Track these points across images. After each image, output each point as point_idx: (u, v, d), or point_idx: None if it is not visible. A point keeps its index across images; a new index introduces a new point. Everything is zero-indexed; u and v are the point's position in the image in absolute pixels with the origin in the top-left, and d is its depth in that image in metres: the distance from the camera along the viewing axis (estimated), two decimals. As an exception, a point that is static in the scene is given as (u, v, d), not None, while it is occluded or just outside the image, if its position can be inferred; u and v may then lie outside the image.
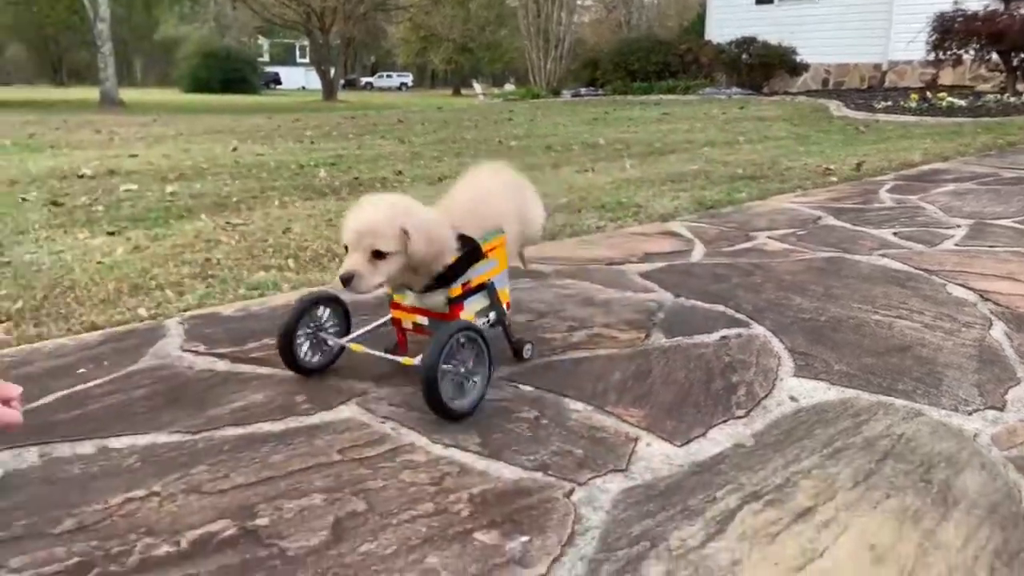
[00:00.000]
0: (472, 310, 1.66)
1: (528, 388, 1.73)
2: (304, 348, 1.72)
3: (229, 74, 41.80)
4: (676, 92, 16.03)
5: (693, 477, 1.40)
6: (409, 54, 53.01)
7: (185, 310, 2.35)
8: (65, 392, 1.73)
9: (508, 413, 1.61)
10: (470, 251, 1.61)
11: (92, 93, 28.39)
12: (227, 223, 3.78)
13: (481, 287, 1.67)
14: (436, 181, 5.41)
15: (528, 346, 1.80)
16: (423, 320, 1.66)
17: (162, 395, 1.72)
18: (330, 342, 1.74)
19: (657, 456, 1.46)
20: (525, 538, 1.20)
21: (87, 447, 1.48)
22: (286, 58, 66.95)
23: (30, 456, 1.45)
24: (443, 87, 59.40)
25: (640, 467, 1.42)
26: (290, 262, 2.99)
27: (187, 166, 6.25)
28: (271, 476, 1.38)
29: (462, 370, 1.51)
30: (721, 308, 2.35)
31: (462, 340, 1.49)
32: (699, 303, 2.40)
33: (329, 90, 37.47)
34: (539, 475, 1.39)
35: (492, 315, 1.72)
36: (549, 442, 1.50)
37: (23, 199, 4.56)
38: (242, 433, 1.54)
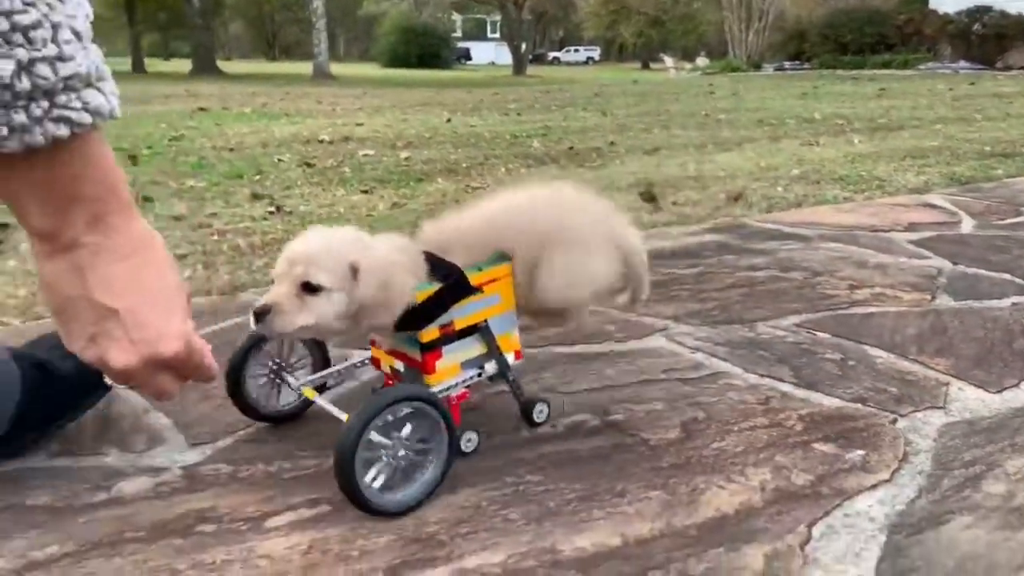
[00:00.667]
0: (455, 360, 1.22)
1: (824, 335, 1.81)
2: (259, 390, 1.34)
3: (425, 49, 43.62)
4: (892, 67, 14.87)
5: (1016, 419, 1.40)
6: (599, 27, 52.70)
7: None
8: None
9: (812, 354, 1.69)
10: (451, 284, 1.17)
11: (302, 67, 30.67)
12: (467, 186, 4.00)
13: (471, 330, 1.23)
14: (651, 151, 5.39)
15: (541, 406, 1.34)
16: (399, 365, 1.26)
17: None
18: (292, 383, 1.33)
19: (972, 399, 1.48)
20: (862, 451, 1.28)
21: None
22: (477, 33, 68.80)
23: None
24: (630, 61, 58.63)
25: (957, 407, 1.45)
26: None
27: (410, 135, 6.62)
28: (610, 385, 1.54)
29: (401, 452, 1.09)
30: (1007, 276, 2.29)
31: (402, 413, 1.07)
32: (981, 271, 2.35)
33: (519, 64, 38.13)
34: (859, 406, 1.45)
35: (489, 367, 1.26)
36: (860, 380, 1.56)
37: (279, 160, 5.03)
38: (569, 352, 1.72)
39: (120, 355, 0.77)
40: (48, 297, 0.78)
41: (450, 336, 1.21)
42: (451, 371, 1.22)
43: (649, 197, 3.54)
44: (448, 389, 1.20)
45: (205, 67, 26.88)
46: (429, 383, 1.18)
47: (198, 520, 1.10)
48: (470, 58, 60.37)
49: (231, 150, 5.49)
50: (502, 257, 1.24)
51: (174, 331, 0.79)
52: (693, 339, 1.79)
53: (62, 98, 0.69)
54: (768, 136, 6.25)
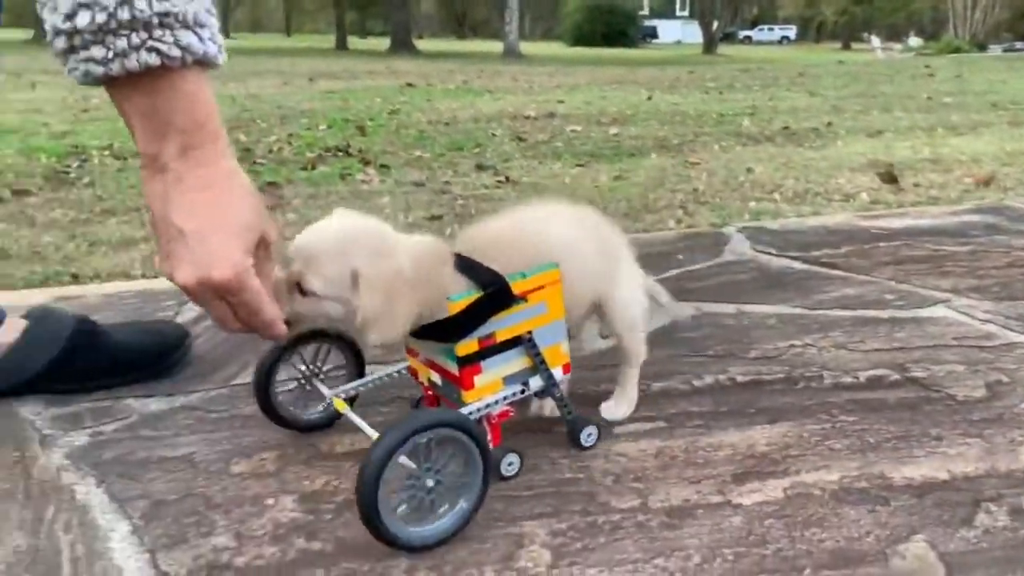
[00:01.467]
0: (496, 375, 1.10)
1: None
2: (286, 397, 1.24)
3: (610, 27, 43.30)
4: None
5: None
6: (797, 5, 49.95)
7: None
8: (676, 271, 2.10)
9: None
10: (492, 294, 1.05)
11: (491, 46, 31.38)
12: (685, 161, 3.98)
13: (515, 342, 1.10)
14: (875, 134, 5.09)
15: (590, 429, 1.19)
16: (437, 378, 1.14)
17: (761, 280, 2.01)
18: (324, 392, 1.20)
19: None
20: None
21: (728, 308, 1.81)
22: (665, 11, 67.33)
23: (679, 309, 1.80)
24: (829, 41, 55.10)
25: None
26: (776, 195, 3.21)
27: (613, 111, 6.64)
28: (901, 347, 1.54)
29: (430, 483, 0.97)
30: None
31: (431, 439, 0.95)
32: None
33: (710, 43, 36.92)
34: None
35: (533, 382, 1.13)
36: None
37: (492, 134, 5.22)
38: (852, 315, 1.74)
39: (180, 272, 0.85)
40: (151, 215, 0.89)
41: (491, 349, 1.08)
42: (492, 387, 1.09)
43: (889, 178, 3.38)
44: (488, 407, 1.08)
45: (402, 45, 28.18)
46: (466, 400, 1.07)
47: (553, 422, 1.23)
48: (656, 36, 59.16)
49: (446, 124, 5.76)
50: (549, 265, 1.10)
51: (228, 259, 0.85)
52: (980, 312, 1.75)
53: (157, 32, 0.80)
54: (1008, 121, 5.70)
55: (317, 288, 0.99)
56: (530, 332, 1.11)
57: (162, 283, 1.94)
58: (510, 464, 1.11)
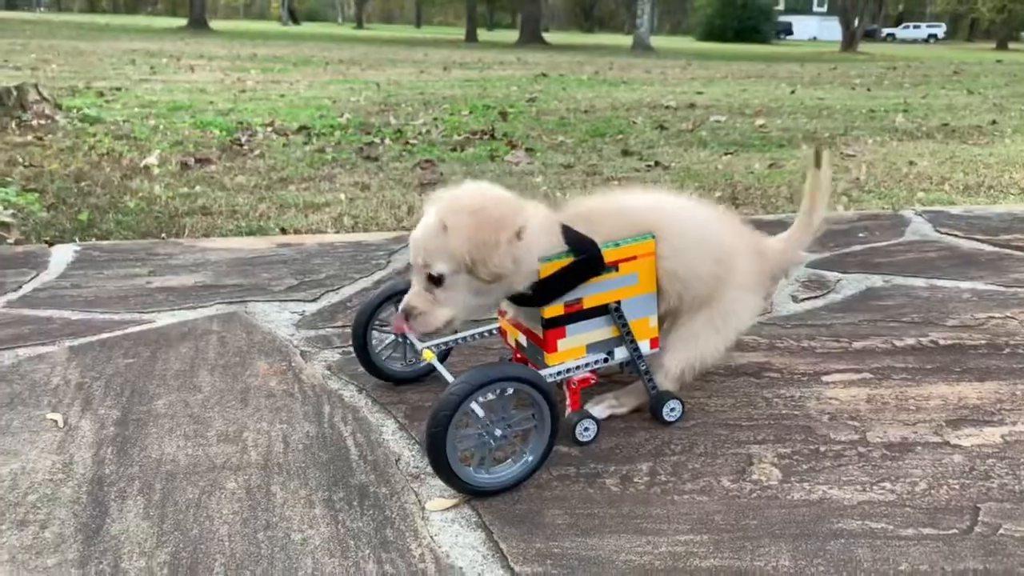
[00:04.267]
0: (580, 341, 1.11)
1: None
2: (386, 350, 1.32)
3: (743, 22, 41.98)
4: None
5: None
6: (948, 0, 46.91)
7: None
8: (860, 247, 2.11)
9: None
10: (581, 260, 1.06)
11: (618, 39, 31.10)
12: (841, 154, 3.86)
13: (600, 310, 1.11)
14: (1047, 134, 4.75)
15: (674, 403, 1.18)
16: (523, 339, 1.17)
17: (951, 259, 2.01)
18: (417, 345, 1.24)
19: None
20: None
21: (918, 281, 1.83)
22: (801, 6, 64.75)
23: (870, 280, 1.83)
24: (982, 40, 51.45)
25: None
26: (945, 187, 3.12)
27: (755, 104, 6.48)
28: None
29: (497, 433, 1.01)
30: None
31: (507, 392, 1.00)
32: None
33: (850, 40, 35.21)
34: None
35: (619, 352, 1.14)
36: None
37: (633, 122, 5.21)
38: None
39: None
40: None
41: (577, 314, 1.09)
42: (575, 352, 1.11)
43: (1070, 177, 3.18)
44: (569, 371, 1.11)
45: (531, 37, 28.37)
46: (549, 362, 1.10)
47: (761, 369, 1.37)
48: (791, 32, 56.94)
49: (585, 112, 5.79)
50: (643, 236, 1.10)
51: None
52: None
53: None
54: None
55: (446, 269, 1.02)
56: (618, 302, 1.10)
57: (371, 236, 2.22)
58: (586, 429, 1.12)
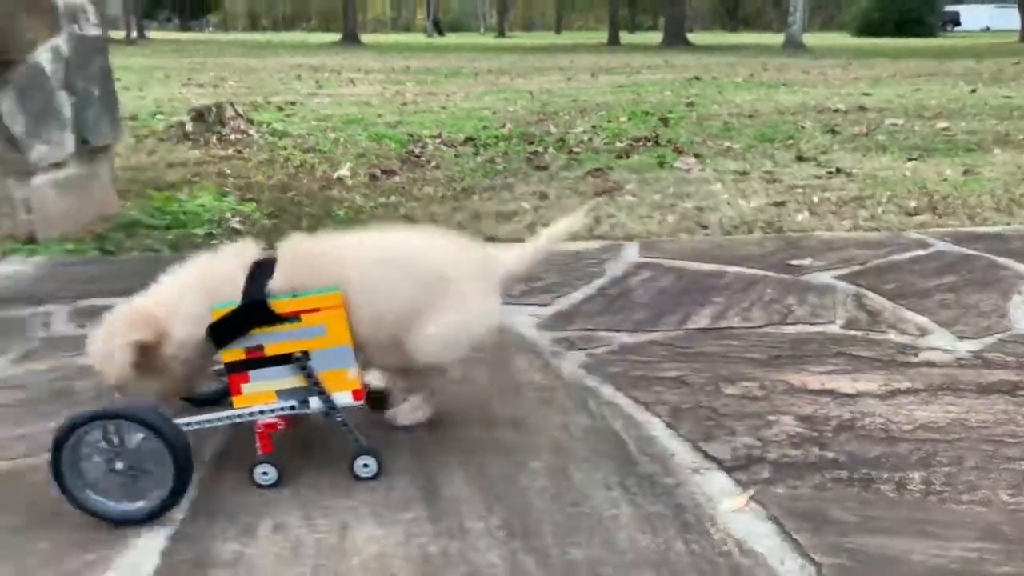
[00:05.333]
0: (267, 387, 1.13)
1: None
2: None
3: (903, 15, 39.41)
4: None
5: None
6: None
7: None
8: None
9: None
10: (241, 307, 1.09)
11: (767, 38, 30.00)
12: (1047, 159, 3.57)
13: (285, 358, 1.12)
14: None
15: (366, 459, 1.15)
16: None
17: None
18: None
19: None
20: None
21: None
22: (970, -5, 60.05)
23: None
24: None
25: None
26: None
27: (933, 105, 6.11)
28: None
29: (119, 466, 1.04)
30: None
31: (106, 432, 1.04)
32: None
33: (1026, 30, 32.28)
34: None
35: (314, 402, 1.14)
36: None
37: (801, 126, 5.03)
38: None
39: None
40: None
41: (259, 361, 1.11)
42: (263, 397, 1.13)
43: None
44: (259, 414, 1.13)
45: (675, 39, 27.89)
46: (236, 405, 1.12)
47: (1015, 387, 1.37)
48: (958, 23, 52.84)
49: (749, 116, 5.65)
50: (328, 288, 1.11)
51: None
52: None
53: None
54: None
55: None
56: (305, 352, 1.11)
57: (575, 244, 2.33)
58: (264, 473, 1.13)
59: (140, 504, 1.05)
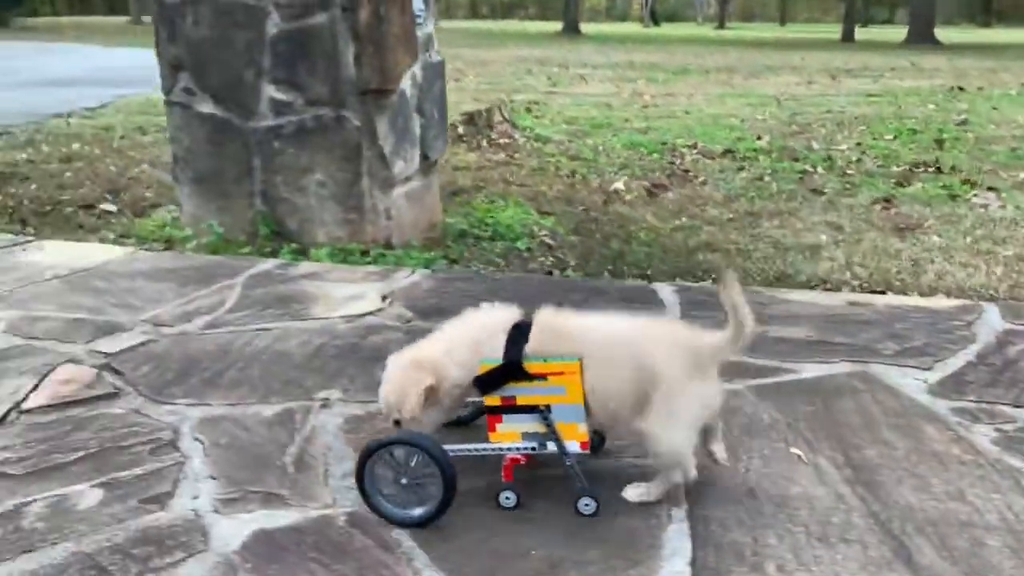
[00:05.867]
0: (515, 428, 1.42)
1: None
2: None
3: None
4: None
5: None
6: None
7: None
8: None
9: None
10: (502, 366, 1.39)
11: (1031, 37, 26.74)
12: None
13: (531, 409, 1.40)
14: None
15: (587, 501, 1.40)
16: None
17: None
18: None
19: None
20: None
21: None
22: None
23: None
24: None
25: None
26: None
27: None
28: None
29: (403, 482, 1.38)
30: None
31: (395, 454, 1.37)
32: None
33: None
34: None
35: (551, 446, 1.41)
36: None
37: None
38: None
39: None
40: None
41: (510, 408, 1.40)
42: (511, 436, 1.42)
43: None
44: (507, 450, 1.41)
45: (920, 36, 25.63)
46: (490, 440, 1.42)
47: None
48: None
49: (1036, 139, 5.12)
50: (570, 357, 1.36)
51: None
52: None
53: None
54: None
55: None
56: (548, 406, 1.39)
57: (929, 301, 2.23)
58: (507, 498, 1.41)
59: (416, 512, 1.36)
